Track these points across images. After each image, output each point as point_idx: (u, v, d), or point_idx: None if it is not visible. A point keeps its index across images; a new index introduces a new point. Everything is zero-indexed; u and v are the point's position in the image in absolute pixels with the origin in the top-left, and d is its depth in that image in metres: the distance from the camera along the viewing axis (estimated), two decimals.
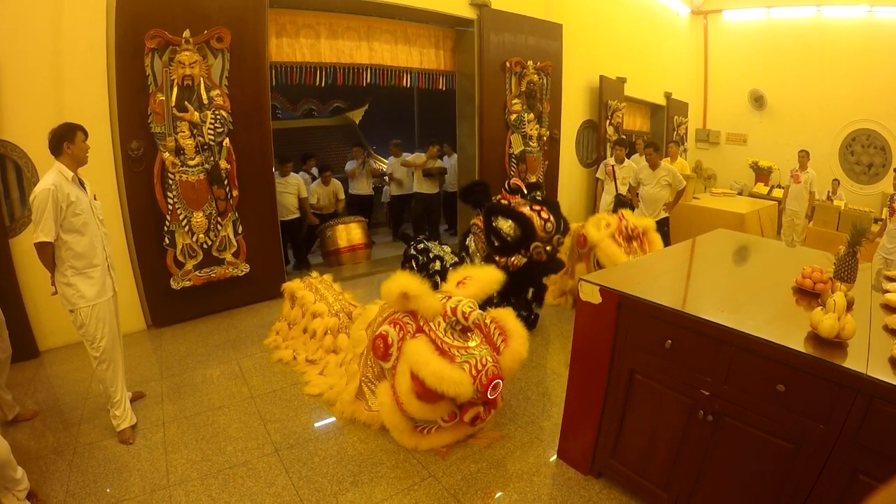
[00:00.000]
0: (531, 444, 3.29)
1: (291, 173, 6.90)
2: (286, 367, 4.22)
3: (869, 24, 10.09)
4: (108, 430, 3.34)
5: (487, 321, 3.25)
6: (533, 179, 7.88)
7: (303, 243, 7.34)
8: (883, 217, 6.28)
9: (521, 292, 4.63)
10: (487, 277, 3.43)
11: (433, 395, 2.86)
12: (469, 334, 3.09)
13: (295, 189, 6.91)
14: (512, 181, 4.66)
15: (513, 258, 4.32)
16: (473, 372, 2.89)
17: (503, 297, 4.38)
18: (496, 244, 4.32)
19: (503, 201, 4.52)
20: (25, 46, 4.19)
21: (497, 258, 4.35)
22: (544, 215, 4.31)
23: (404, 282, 3.07)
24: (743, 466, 2.23)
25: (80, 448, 3.23)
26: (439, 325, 3.05)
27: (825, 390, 1.93)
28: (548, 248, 4.36)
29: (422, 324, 3.07)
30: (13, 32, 4.12)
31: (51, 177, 2.98)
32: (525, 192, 4.65)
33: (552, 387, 3.94)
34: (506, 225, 4.30)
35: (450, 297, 3.15)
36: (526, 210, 4.32)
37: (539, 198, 4.58)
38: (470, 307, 3.05)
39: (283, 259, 6.91)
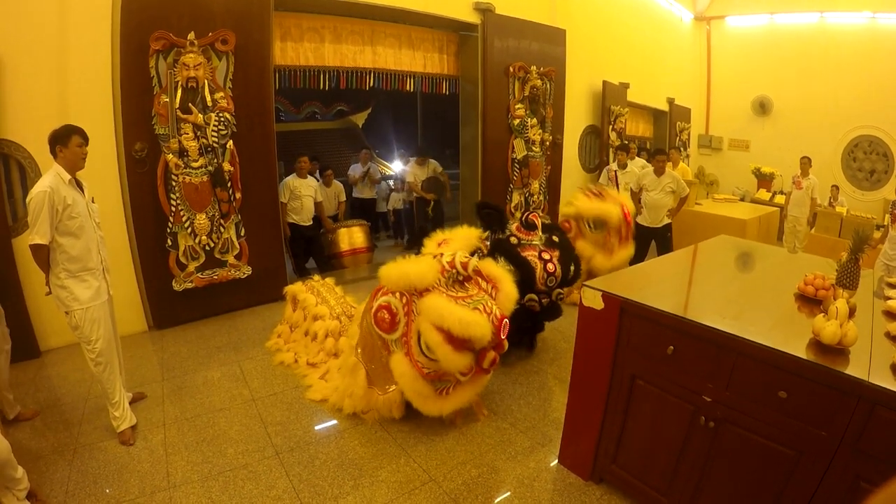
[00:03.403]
0: (532, 449, 3.29)
1: (309, 175, 6.81)
2: (287, 370, 4.22)
3: (872, 30, 10.10)
4: (109, 430, 3.34)
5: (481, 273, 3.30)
6: (535, 185, 7.89)
7: (318, 250, 7.25)
8: (885, 223, 6.27)
9: (516, 339, 4.36)
10: (465, 234, 3.49)
11: (462, 342, 2.88)
12: (467, 284, 3.13)
13: (313, 191, 6.80)
14: (530, 216, 4.39)
15: None
16: (486, 314, 2.94)
17: None
18: None
19: (515, 235, 4.28)
20: (30, 46, 4.21)
21: None
22: (550, 268, 4.10)
23: (396, 267, 3.07)
24: (744, 472, 2.22)
25: (81, 448, 3.23)
26: (440, 282, 3.06)
27: (827, 397, 1.93)
28: (544, 300, 4.20)
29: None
30: (18, 32, 4.14)
31: (48, 179, 2.98)
32: (540, 228, 4.39)
33: (553, 392, 3.94)
34: (506, 269, 4.11)
35: (442, 255, 3.17)
36: (532, 256, 4.13)
37: (556, 240, 4.34)
38: (466, 257, 3.13)
39: (296, 267, 6.95)
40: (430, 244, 3.51)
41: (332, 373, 3.99)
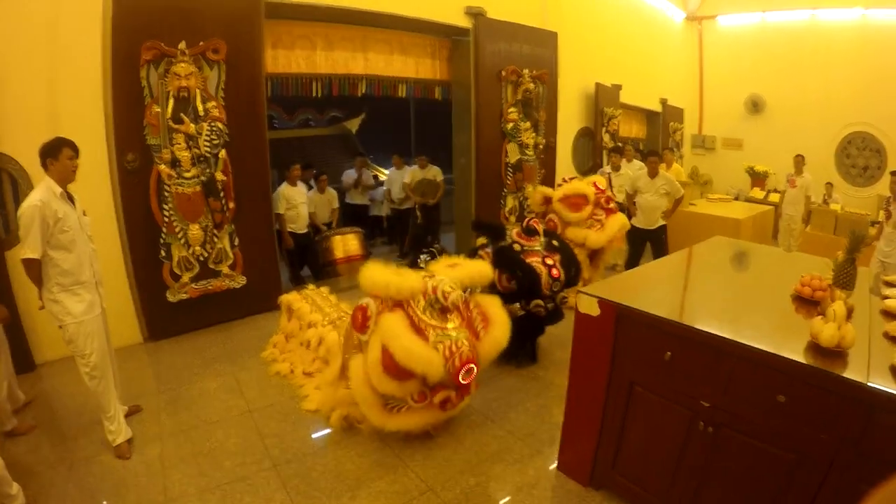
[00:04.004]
0: (531, 456, 3.27)
1: (299, 182, 6.77)
2: (284, 381, 4.19)
3: (863, 26, 10.14)
4: (105, 444, 3.30)
5: (471, 306, 3.20)
6: (529, 189, 7.87)
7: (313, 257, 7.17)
8: (880, 220, 6.29)
9: (519, 344, 4.31)
10: (478, 269, 3.34)
11: (402, 371, 2.83)
12: (448, 315, 3.03)
13: (306, 199, 6.78)
14: (531, 222, 4.42)
15: (511, 307, 4.09)
16: (447, 353, 2.84)
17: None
18: (499, 289, 4.13)
19: (517, 242, 4.31)
20: (21, 57, 4.18)
21: None
22: (555, 273, 4.12)
23: (379, 272, 3.05)
24: (744, 477, 2.22)
25: (77, 463, 3.20)
26: (419, 302, 3.00)
27: (826, 400, 1.93)
28: (549, 305, 4.19)
29: (401, 300, 3.03)
30: (8, 43, 4.11)
31: (38, 192, 2.97)
32: (541, 234, 4.44)
33: (551, 399, 3.92)
34: (512, 273, 4.10)
35: (433, 276, 3.10)
36: (537, 262, 4.13)
37: (556, 244, 4.39)
38: (451, 288, 2.99)
39: (292, 276, 6.91)
40: (443, 263, 3.42)
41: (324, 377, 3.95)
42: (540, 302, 4.13)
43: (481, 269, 3.38)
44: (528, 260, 4.13)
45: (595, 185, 4.87)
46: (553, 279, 4.10)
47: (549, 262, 4.16)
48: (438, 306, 3.01)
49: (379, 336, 2.93)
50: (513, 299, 4.09)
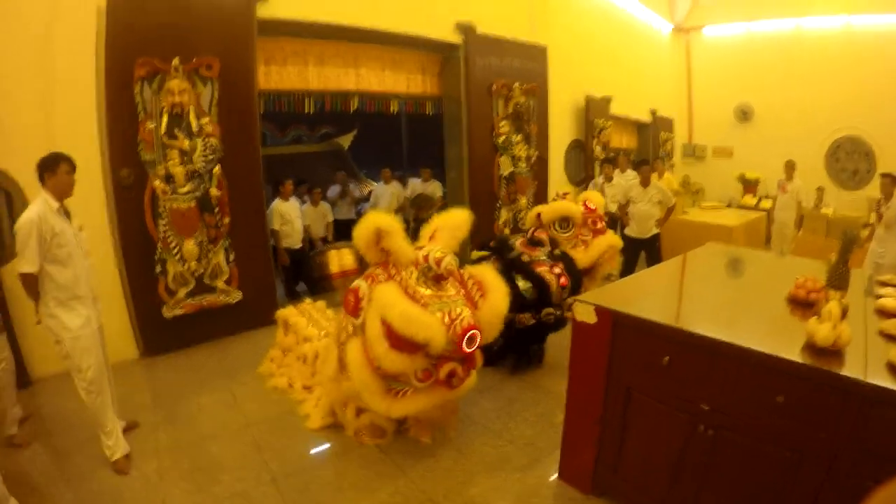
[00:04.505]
0: (531, 465, 3.26)
1: (291, 197, 6.78)
2: (281, 395, 4.16)
3: (847, 33, 10.33)
4: (102, 459, 3.27)
5: (466, 277, 3.13)
6: (523, 201, 7.92)
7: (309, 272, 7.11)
8: (871, 222, 6.35)
9: (524, 349, 4.55)
10: (454, 222, 3.26)
11: (405, 342, 2.71)
12: (444, 284, 2.97)
13: (299, 212, 6.80)
14: (537, 233, 4.49)
15: (522, 315, 4.19)
16: (447, 320, 2.77)
17: (506, 351, 4.45)
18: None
19: (525, 253, 4.33)
20: (15, 73, 4.20)
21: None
22: (563, 281, 4.17)
23: (376, 219, 2.96)
24: (745, 479, 2.22)
25: (75, 479, 3.17)
26: (412, 274, 2.93)
27: (825, 399, 1.94)
28: (558, 312, 4.22)
29: (393, 273, 2.97)
30: (2, 59, 4.13)
31: (35, 207, 2.98)
32: (547, 244, 4.49)
33: (550, 407, 3.91)
34: (525, 286, 4.14)
35: (422, 248, 3.04)
36: (546, 272, 4.17)
37: (557, 254, 4.42)
38: (442, 253, 2.92)
39: (287, 291, 6.91)
40: (423, 235, 3.31)
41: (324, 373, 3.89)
42: (551, 310, 4.18)
43: (456, 219, 3.28)
44: (537, 270, 4.17)
45: (585, 203, 4.89)
46: (562, 288, 4.16)
47: (557, 270, 4.20)
48: (432, 274, 2.93)
49: (375, 309, 2.81)
50: (524, 309, 4.12)
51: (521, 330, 4.20)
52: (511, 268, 4.17)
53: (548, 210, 4.95)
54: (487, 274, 3.24)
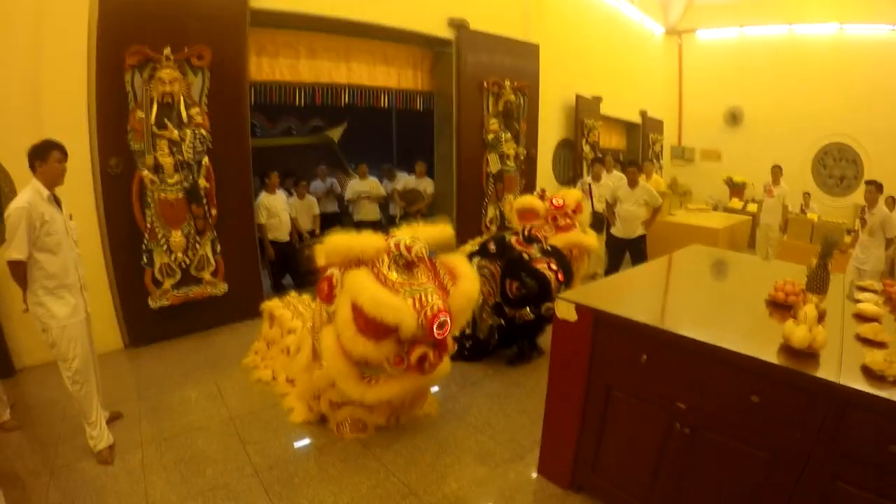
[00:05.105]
0: (512, 461, 3.30)
1: (278, 189, 6.73)
2: (265, 388, 4.17)
3: (840, 41, 10.45)
4: (86, 450, 3.27)
5: (437, 265, 3.18)
6: (511, 198, 7.93)
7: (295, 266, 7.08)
8: (856, 228, 6.45)
9: (522, 340, 4.74)
10: (438, 232, 3.33)
11: (374, 326, 2.77)
12: (415, 271, 3.03)
13: (286, 205, 6.77)
14: (533, 230, 4.57)
15: (523, 311, 4.30)
16: (417, 306, 2.83)
17: (504, 343, 4.63)
18: (510, 297, 4.29)
19: (525, 252, 4.41)
20: (4, 60, 4.17)
21: (507, 308, 4.35)
22: (561, 277, 4.25)
23: (340, 236, 3.03)
24: (721, 477, 2.26)
25: (58, 469, 3.17)
26: (383, 261, 2.99)
27: (799, 400, 1.98)
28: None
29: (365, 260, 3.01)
30: None
31: (26, 194, 2.97)
32: (543, 242, 4.57)
33: (532, 403, 3.94)
34: (529, 282, 4.22)
35: (393, 236, 3.10)
36: (544, 268, 4.25)
37: (549, 249, 4.50)
38: (412, 241, 3.01)
39: (274, 284, 6.90)
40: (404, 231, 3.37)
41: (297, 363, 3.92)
42: (550, 305, 4.22)
43: (441, 232, 3.36)
44: (536, 266, 4.25)
45: (551, 200, 4.97)
46: (560, 283, 4.24)
47: (554, 267, 4.29)
48: (402, 261, 3.00)
49: (346, 294, 2.87)
50: (523, 304, 4.23)
51: (520, 324, 4.34)
52: (513, 266, 4.25)
53: (515, 203, 5.08)
54: (459, 262, 3.31)
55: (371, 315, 2.74)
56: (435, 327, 2.86)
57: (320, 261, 3.29)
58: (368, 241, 3.01)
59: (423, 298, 2.88)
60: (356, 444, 3.44)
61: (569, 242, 4.80)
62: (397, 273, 2.97)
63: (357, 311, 2.80)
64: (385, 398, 3.19)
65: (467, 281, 3.18)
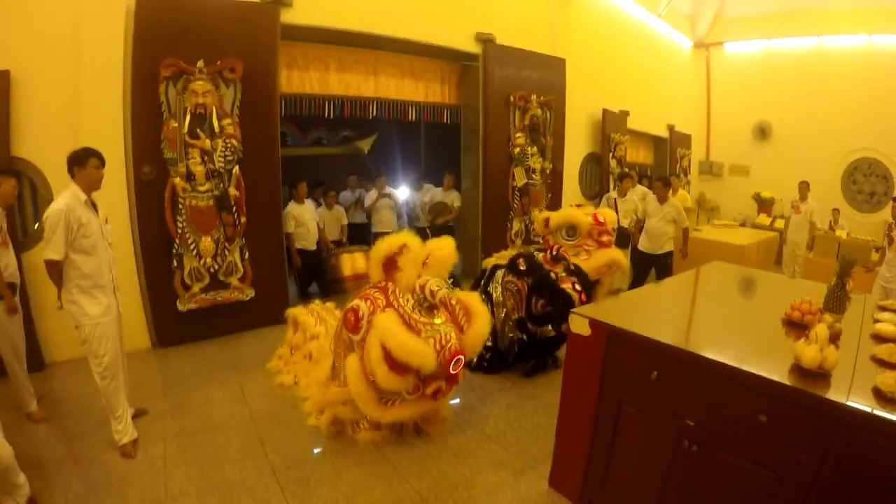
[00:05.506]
0: (524, 472, 3.33)
1: (306, 199, 6.88)
2: (287, 392, 4.26)
3: (869, 52, 10.23)
4: (110, 443, 3.40)
5: (453, 302, 3.36)
6: (537, 212, 7.94)
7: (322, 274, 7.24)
8: (883, 245, 6.31)
9: (543, 357, 4.84)
10: (444, 254, 3.54)
11: (401, 366, 3.03)
12: (435, 311, 3.27)
13: (314, 215, 6.91)
14: (561, 250, 4.64)
15: (544, 328, 4.41)
16: (437, 346, 3.06)
17: (523, 357, 4.72)
18: (534, 313, 4.37)
19: (552, 271, 4.48)
20: (44, 67, 4.38)
21: (530, 324, 4.43)
22: (584, 297, 4.31)
23: (406, 237, 3.38)
24: (728, 495, 2.26)
25: (82, 459, 3.31)
26: (408, 301, 3.25)
27: (807, 420, 1.97)
28: None
29: (391, 299, 3.24)
30: (32, 53, 4.32)
31: (64, 198, 3.13)
32: (568, 262, 4.62)
33: (547, 416, 3.94)
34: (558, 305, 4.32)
35: (420, 276, 3.34)
36: (569, 287, 4.32)
37: (572, 268, 4.57)
38: (438, 286, 3.27)
39: (300, 291, 7.06)
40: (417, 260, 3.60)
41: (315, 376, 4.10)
42: None
43: (445, 251, 3.56)
44: (562, 286, 4.33)
45: (595, 216, 4.97)
46: (583, 303, 4.25)
47: (578, 287, 4.36)
48: (426, 304, 3.25)
49: (377, 335, 3.10)
50: (546, 322, 4.35)
51: (541, 340, 4.47)
52: (542, 285, 4.35)
53: (556, 216, 5.07)
54: (473, 301, 3.50)
55: (399, 358, 3.00)
56: (451, 365, 3.10)
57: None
58: (412, 272, 3.32)
59: (443, 340, 3.10)
60: (371, 450, 3.50)
61: (610, 259, 4.85)
62: (419, 313, 3.22)
63: (385, 352, 3.05)
64: (400, 419, 3.48)
65: (480, 320, 3.39)
